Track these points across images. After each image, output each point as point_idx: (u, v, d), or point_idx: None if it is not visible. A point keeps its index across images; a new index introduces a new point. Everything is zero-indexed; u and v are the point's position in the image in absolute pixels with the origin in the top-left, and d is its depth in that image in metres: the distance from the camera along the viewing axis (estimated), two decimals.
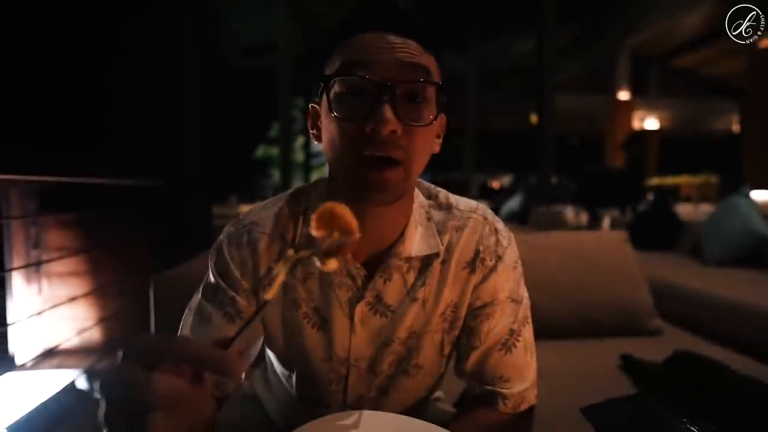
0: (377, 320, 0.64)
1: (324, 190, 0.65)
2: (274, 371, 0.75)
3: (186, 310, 0.65)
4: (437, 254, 0.64)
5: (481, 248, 0.65)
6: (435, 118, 0.55)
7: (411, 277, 0.64)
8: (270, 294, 0.39)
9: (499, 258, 0.66)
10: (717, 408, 0.94)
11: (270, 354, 0.72)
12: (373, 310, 0.64)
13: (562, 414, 0.95)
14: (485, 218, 0.67)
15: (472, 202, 0.70)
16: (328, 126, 0.56)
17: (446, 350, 0.69)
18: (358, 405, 0.69)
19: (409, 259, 0.63)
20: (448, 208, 0.68)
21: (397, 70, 0.52)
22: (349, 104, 0.53)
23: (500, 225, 0.68)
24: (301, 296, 0.64)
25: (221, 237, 0.66)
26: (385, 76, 0.52)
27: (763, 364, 1.27)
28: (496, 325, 0.65)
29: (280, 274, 0.40)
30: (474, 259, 0.65)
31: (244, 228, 0.65)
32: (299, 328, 0.65)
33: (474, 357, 0.66)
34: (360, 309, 0.63)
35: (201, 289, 0.65)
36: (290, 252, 0.42)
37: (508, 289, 0.66)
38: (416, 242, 0.63)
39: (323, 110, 0.57)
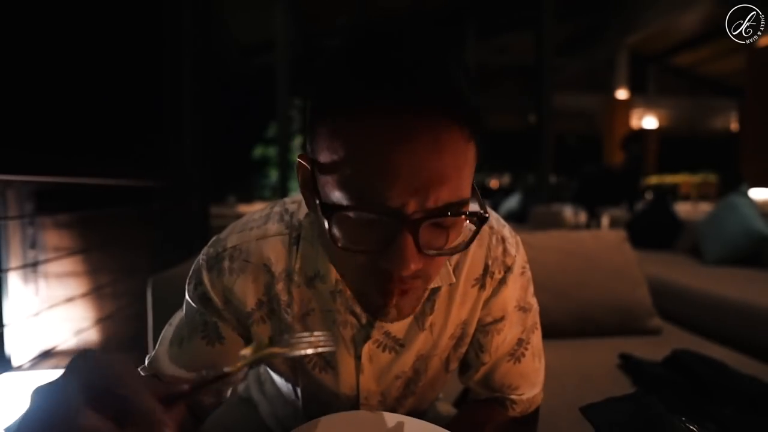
0: (386, 356, 0.60)
1: (318, 218, 0.48)
2: (271, 382, 0.73)
3: (167, 325, 0.61)
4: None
5: (489, 262, 0.60)
6: (465, 241, 0.44)
7: (419, 308, 0.59)
8: (232, 369, 0.36)
9: (508, 269, 0.61)
10: (716, 407, 0.94)
11: (270, 372, 0.68)
12: (381, 347, 0.59)
13: (562, 413, 0.95)
14: (491, 227, 0.62)
15: None
16: (325, 235, 0.43)
17: (452, 366, 0.66)
18: None
19: None
20: None
21: (427, 192, 0.39)
22: (356, 235, 0.42)
23: (506, 231, 0.64)
24: None
25: (200, 260, 0.58)
26: (410, 204, 0.39)
27: (762, 362, 1.27)
28: (505, 338, 0.63)
29: (245, 360, 0.37)
30: (483, 275, 0.61)
31: (225, 252, 0.57)
32: (301, 367, 0.60)
33: (482, 371, 0.65)
34: (368, 348, 0.58)
35: (183, 308, 0.60)
36: (261, 344, 0.37)
37: (516, 298, 0.63)
38: None
39: (319, 212, 0.43)
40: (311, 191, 0.45)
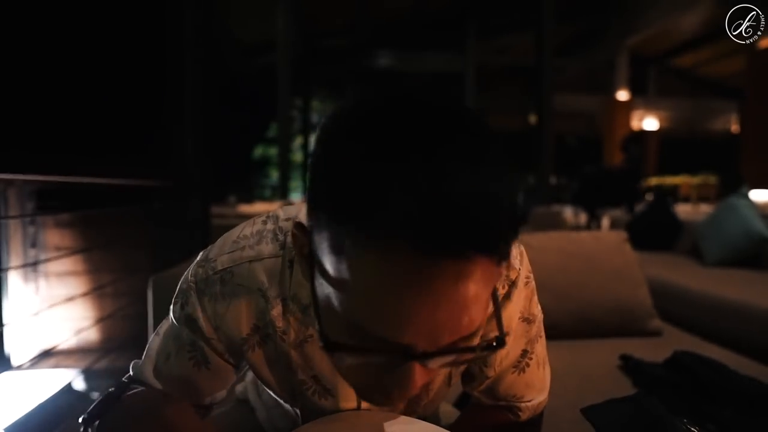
0: None
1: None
2: (269, 394, 0.70)
3: (153, 335, 0.57)
4: None
5: None
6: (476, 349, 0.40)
7: None
8: None
9: (512, 283, 0.57)
10: (716, 408, 0.94)
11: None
12: None
13: (562, 414, 0.95)
14: None
15: None
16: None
17: (454, 380, 0.64)
18: None
19: None
20: None
21: (441, 335, 0.35)
22: (359, 366, 0.40)
23: None
24: (296, 362, 0.54)
25: (189, 279, 0.54)
26: (420, 344, 0.35)
27: (762, 364, 1.27)
28: (508, 352, 0.61)
29: None
30: None
31: (216, 275, 0.52)
32: (300, 392, 0.56)
33: (486, 384, 0.63)
34: None
35: (169, 324, 0.56)
36: None
37: (520, 310, 0.59)
38: None
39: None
40: (310, 273, 0.40)
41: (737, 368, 1.08)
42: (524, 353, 0.61)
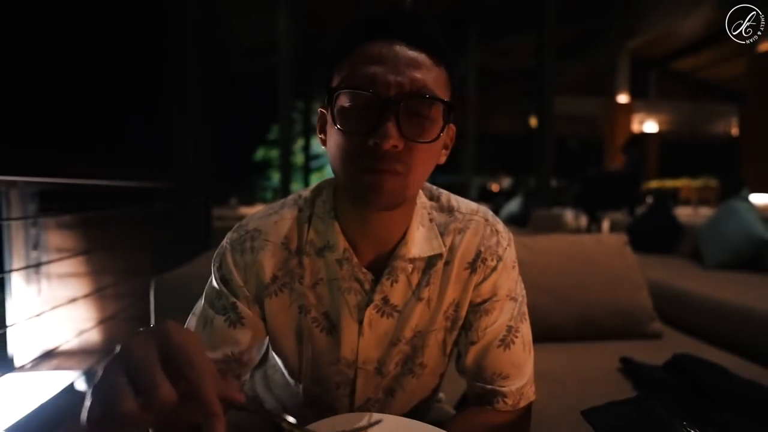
0: (384, 322, 0.66)
1: (328, 197, 0.65)
2: (280, 373, 0.76)
3: (190, 315, 0.66)
4: (440, 255, 0.66)
5: (482, 249, 0.67)
6: (439, 135, 0.55)
7: (415, 278, 0.65)
8: (285, 424, 0.41)
9: (499, 258, 0.67)
10: (716, 411, 0.95)
11: (277, 358, 0.72)
12: (380, 313, 0.65)
13: (562, 417, 0.95)
14: (486, 220, 0.69)
15: (474, 204, 0.71)
16: (332, 136, 0.56)
17: (448, 349, 0.71)
18: (365, 408, 0.70)
19: (413, 260, 0.64)
20: (449, 210, 0.69)
21: (404, 85, 0.52)
22: (352, 118, 0.54)
23: (501, 226, 0.70)
24: (310, 302, 0.65)
25: (224, 243, 0.66)
26: (390, 92, 0.52)
27: (763, 367, 1.27)
28: (494, 322, 0.67)
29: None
30: (475, 260, 0.66)
31: (247, 234, 0.65)
32: (308, 332, 0.66)
33: (473, 353, 0.68)
34: (369, 313, 0.64)
35: (204, 294, 0.66)
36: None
37: (507, 287, 0.68)
38: (418, 243, 0.64)
39: (328, 119, 0.57)
40: (326, 126, 0.59)
41: (737, 371, 1.08)
42: (509, 329, 0.67)
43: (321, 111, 0.61)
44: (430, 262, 0.66)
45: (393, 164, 0.53)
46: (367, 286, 0.64)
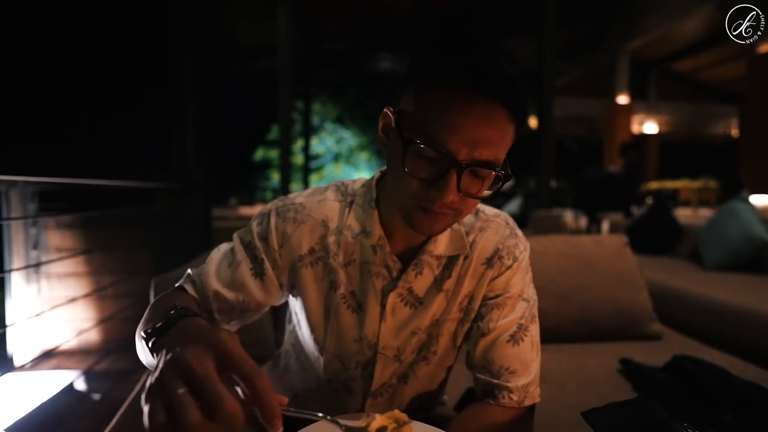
0: (406, 311, 0.71)
1: (370, 188, 0.70)
2: (294, 358, 0.80)
3: (215, 250, 0.71)
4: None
5: (500, 247, 0.71)
6: (490, 189, 0.60)
7: (439, 272, 0.71)
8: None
9: (515, 259, 0.72)
10: (716, 413, 0.95)
11: (304, 329, 0.75)
12: (403, 301, 0.70)
13: (563, 417, 0.95)
14: (507, 223, 0.75)
15: (497, 210, 0.77)
16: (397, 167, 0.58)
17: (458, 341, 0.75)
18: (380, 392, 0.74)
19: (439, 257, 0.70)
20: (475, 212, 0.75)
21: (475, 156, 0.54)
22: (420, 165, 0.56)
23: (519, 232, 0.75)
24: (341, 279, 0.69)
25: (270, 207, 0.71)
26: (460, 156, 0.54)
27: (762, 368, 1.27)
28: (505, 317, 0.70)
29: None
30: (493, 257, 0.71)
31: (292, 206, 0.70)
32: (336, 307, 0.71)
33: (482, 345, 0.70)
34: (392, 299, 0.69)
35: (238, 238, 0.70)
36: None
37: (520, 287, 0.71)
38: (446, 242, 0.70)
39: (395, 150, 0.59)
40: (391, 133, 0.61)
41: (737, 372, 1.09)
42: (520, 326, 0.70)
43: (386, 112, 0.62)
44: (454, 257, 0.71)
45: (447, 210, 0.58)
46: (394, 274, 0.69)
